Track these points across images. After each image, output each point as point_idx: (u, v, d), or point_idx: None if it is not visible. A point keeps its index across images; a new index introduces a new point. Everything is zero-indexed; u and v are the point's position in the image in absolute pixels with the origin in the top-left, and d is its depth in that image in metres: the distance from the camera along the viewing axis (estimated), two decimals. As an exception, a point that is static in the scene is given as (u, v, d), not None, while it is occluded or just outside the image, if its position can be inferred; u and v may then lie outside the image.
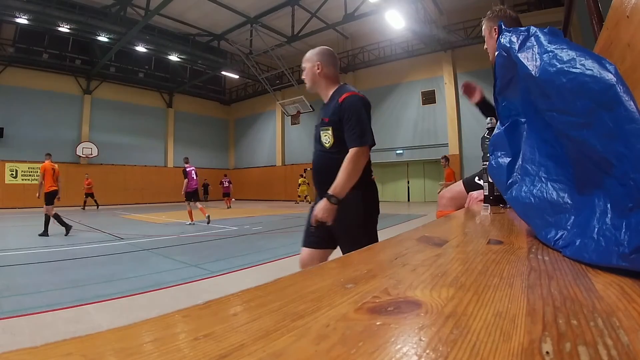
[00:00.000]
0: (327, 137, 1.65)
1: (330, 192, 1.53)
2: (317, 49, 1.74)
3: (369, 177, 1.69)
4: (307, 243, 1.73)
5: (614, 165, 0.38)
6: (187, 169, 7.65)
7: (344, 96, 1.60)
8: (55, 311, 2.38)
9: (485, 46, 1.32)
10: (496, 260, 0.44)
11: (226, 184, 14.79)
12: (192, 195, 7.67)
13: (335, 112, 1.61)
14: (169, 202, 19.09)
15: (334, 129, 1.62)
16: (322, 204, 1.53)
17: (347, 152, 1.55)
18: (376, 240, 1.67)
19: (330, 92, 1.70)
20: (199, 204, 7.74)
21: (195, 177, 7.71)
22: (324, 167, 1.67)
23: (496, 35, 1.26)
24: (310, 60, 1.71)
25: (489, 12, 1.31)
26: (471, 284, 0.34)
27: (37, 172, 15.16)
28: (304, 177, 16.47)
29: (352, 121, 1.56)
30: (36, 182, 14.81)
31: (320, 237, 1.68)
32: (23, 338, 1.98)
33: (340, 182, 1.52)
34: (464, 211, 1.30)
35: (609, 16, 1.20)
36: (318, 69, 1.69)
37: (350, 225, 1.61)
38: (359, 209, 1.63)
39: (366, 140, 1.57)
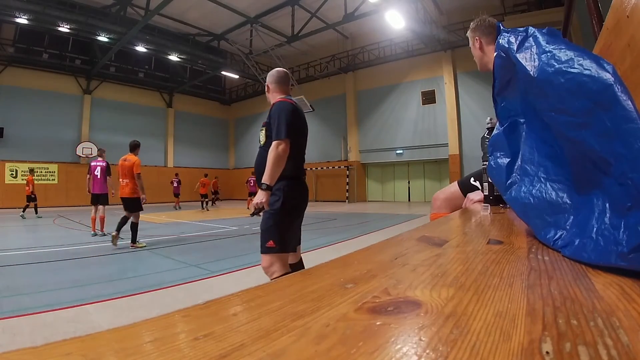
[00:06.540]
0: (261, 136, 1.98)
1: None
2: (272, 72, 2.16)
3: (294, 173, 1.95)
4: None
5: (612, 165, 0.38)
6: None
7: (273, 102, 1.97)
8: (55, 311, 2.38)
9: (474, 57, 1.34)
10: (496, 260, 0.43)
11: (175, 184, 14.20)
12: None
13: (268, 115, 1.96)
14: (169, 202, 19.06)
15: (267, 129, 1.94)
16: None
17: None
18: (286, 231, 1.85)
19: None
20: None
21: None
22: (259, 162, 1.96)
23: (479, 46, 1.28)
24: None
25: (471, 23, 1.33)
26: (471, 284, 0.34)
27: (38, 172, 15.29)
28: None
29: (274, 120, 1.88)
30: (35, 182, 14.90)
31: None
32: (23, 338, 1.98)
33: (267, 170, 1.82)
34: (464, 211, 1.30)
35: (609, 16, 1.20)
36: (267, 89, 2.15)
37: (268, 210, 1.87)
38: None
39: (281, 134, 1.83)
